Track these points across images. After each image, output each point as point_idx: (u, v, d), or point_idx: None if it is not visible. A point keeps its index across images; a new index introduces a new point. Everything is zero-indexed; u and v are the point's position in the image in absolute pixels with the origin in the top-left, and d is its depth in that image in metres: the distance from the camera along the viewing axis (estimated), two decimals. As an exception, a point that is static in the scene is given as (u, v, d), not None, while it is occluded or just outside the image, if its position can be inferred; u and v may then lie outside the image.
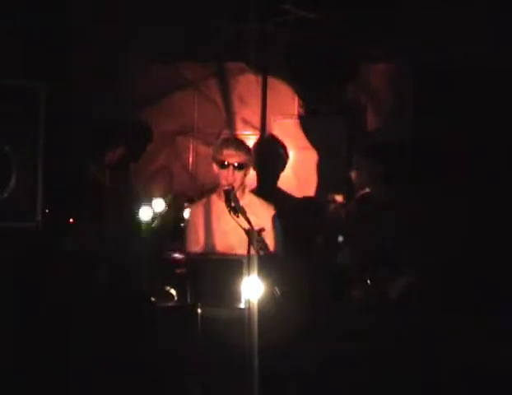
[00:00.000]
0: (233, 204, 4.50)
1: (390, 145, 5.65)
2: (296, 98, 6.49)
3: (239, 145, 4.91)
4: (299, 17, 5.70)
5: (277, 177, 6.30)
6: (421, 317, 4.77)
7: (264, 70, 6.36)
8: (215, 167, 4.87)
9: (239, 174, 4.80)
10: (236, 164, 4.79)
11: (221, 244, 4.86)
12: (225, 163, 4.79)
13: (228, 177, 4.76)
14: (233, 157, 4.79)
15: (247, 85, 6.46)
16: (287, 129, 6.46)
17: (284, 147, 6.39)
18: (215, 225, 4.89)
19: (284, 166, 6.34)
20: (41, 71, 5.16)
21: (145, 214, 5.09)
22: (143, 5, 5.98)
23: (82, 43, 6.06)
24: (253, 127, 6.43)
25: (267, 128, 6.41)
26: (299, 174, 6.41)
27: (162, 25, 5.97)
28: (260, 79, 6.38)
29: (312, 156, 6.45)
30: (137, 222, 5.04)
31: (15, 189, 4.73)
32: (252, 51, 6.19)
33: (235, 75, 6.47)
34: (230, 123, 6.44)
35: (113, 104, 6.11)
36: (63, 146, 5.59)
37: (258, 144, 6.32)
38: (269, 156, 6.30)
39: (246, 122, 6.44)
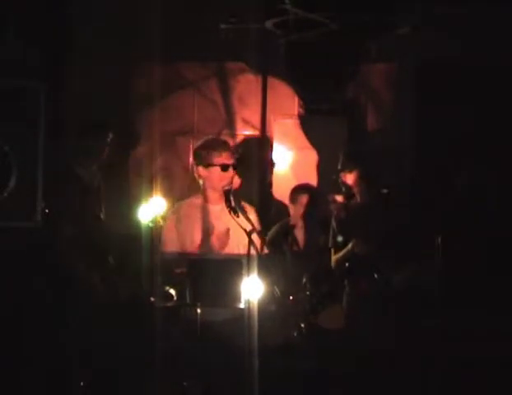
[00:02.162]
0: (232, 204, 4.51)
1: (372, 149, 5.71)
2: (296, 98, 6.49)
3: (228, 145, 4.92)
4: (299, 17, 5.70)
5: (263, 178, 6.30)
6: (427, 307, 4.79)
7: (264, 70, 6.36)
8: (203, 170, 4.80)
9: (227, 175, 4.79)
10: (233, 165, 4.79)
11: (202, 246, 4.85)
12: (215, 164, 4.76)
13: (225, 178, 4.74)
14: (229, 158, 4.80)
15: (247, 85, 6.46)
16: (287, 129, 6.47)
17: (270, 147, 6.39)
18: (197, 228, 4.87)
19: (268, 165, 6.33)
20: (41, 71, 5.16)
21: (144, 214, 5.06)
22: (143, 5, 5.98)
23: (82, 42, 6.07)
24: (253, 127, 6.43)
25: (267, 128, 6.41)
26: (299, 174, 6.41)
27: (162, 26, 5.96)
28: (260, 79, 6.38)
29: (312, 156, 6.45)
30: (136, 222, 5.02)
31: (15, 189, 4.72)
32: (252, 51, 6.19)
33: (235, 75, 6.47)
34: (230, 123, 6.45)
35: (113, 104, 6.11)
36: (63, 146, 5.59)
37: (240, 145, 6.32)
38: (250, 157, 6.29)
39: (246, 122, 6.45)
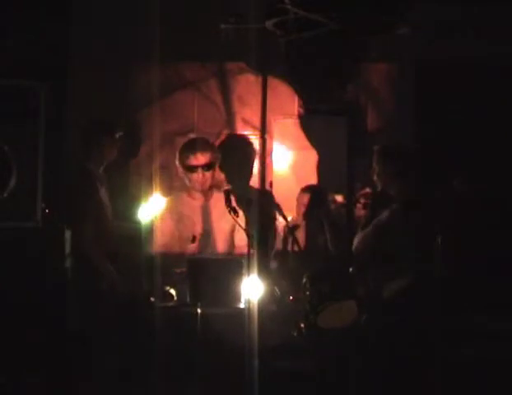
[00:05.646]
0: (232, 204, 4.53)
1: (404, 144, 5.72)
2: (296, 98, 6.49)
3: (204, 145, 5.01)
4: (299, 17, 5.70)
5: (247, 174, 6.25)
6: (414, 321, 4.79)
7: (264, 70, 6.36)
8: (180, 170, 4.97)
9: (208, 175, 4.91)
10: (204, 165, 4.88)
11: (181, 242, 4.93)
12: (194, 166, 4.88)
13: (198, 179, 4.86)
14: (200, 159, 4.89)
15: (247, 85, 6.45)
16: (287, 129, 6.46)
17: (251, 144, 6.36)
18: (181, 223, 4.96)
19: (251, 163, 6.29)
20: (41, 71, 5.17)
21: (144, 213, 5.08)
22: (143, 5, 5.98)
23: (82, 42, 6.07)
24: (253, 127, 6.43)
25: (267, 128, 6.41)
26: (299, 174, 6.41)
27: (162, 26, 5.97)
28: (260, 79, 6.38)
29: (312, 156, 6.45)
30: (137, 221, 5.03)
31: (15, 189, 4.73)
32: (252, 51, 6.18)
33: (234, 75, 6.47)
34: (230, 123, 6.44)
35: (113, 104, 6.10)
36: (63, 146, 5.59)
37: (222, 142, 6.29)
38: (235, 154, 6.26)
39: (246, 122, 6.44)
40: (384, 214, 5.16)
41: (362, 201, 5.50)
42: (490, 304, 5.22)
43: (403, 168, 5.27)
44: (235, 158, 6.10)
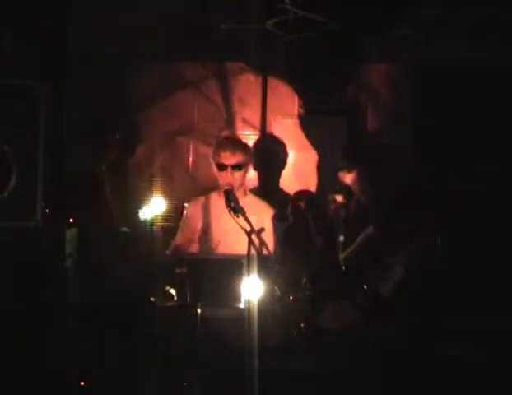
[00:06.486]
0: (232, 204, 4.53)
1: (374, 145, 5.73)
2: (296, 98, 6.49)
3: (236, 145, 4.99)
4: (299, 17, 5.70)
5: (278, 176, 6.29)
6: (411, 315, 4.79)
7: (264, 70, 6.36)
8: (214, 168, 4.97)
9: (238, 175, 4.87)
10: (234, 165, 4.85)
11: (219, 244, 4.91)
12: (223, 164, 4.86)
13: (227, 178, 4.83)
14: (230, 158, 4.86)
15: (247, 85, 6.46)
16: (287, 129, 6.47)
17: (283, 145, 6.38)
18: (213, 225, 4.94)
19: (284, 165, 6.32)
20: (41, 71, 5.17)
21: (144, 213, 5.08)
22: (143, 5, 5.99)
23: (82, 42, 6.08)
24: (253, 127, 6.43)
25: (267, 128, 6.41)
26: (299, 174, 6.41)
27: (162, 25, 5.97)
28: (260, 79, 6.38)
29: (312, 156, 6.45)
30: (138, 221, 5.04)
31: (15, 189, 4.73)
32: (252, 51, 6.19)
33: (235, 75, 6.47)
34: (230, 123, 6.44)
35: (113, 104, 6.11)
36: (63, 146, 5.60)
37: (257, 143, 6.32)
38: (268, 155, 6.29)
39: (246, 122, 6.44)
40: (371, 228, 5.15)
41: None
42: (489, 303, 5.23)
43: (370, 169, 5.24)
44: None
